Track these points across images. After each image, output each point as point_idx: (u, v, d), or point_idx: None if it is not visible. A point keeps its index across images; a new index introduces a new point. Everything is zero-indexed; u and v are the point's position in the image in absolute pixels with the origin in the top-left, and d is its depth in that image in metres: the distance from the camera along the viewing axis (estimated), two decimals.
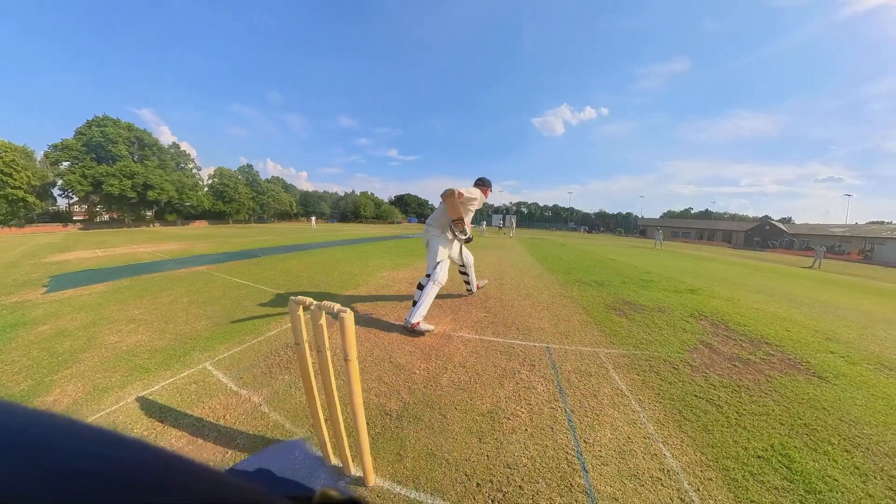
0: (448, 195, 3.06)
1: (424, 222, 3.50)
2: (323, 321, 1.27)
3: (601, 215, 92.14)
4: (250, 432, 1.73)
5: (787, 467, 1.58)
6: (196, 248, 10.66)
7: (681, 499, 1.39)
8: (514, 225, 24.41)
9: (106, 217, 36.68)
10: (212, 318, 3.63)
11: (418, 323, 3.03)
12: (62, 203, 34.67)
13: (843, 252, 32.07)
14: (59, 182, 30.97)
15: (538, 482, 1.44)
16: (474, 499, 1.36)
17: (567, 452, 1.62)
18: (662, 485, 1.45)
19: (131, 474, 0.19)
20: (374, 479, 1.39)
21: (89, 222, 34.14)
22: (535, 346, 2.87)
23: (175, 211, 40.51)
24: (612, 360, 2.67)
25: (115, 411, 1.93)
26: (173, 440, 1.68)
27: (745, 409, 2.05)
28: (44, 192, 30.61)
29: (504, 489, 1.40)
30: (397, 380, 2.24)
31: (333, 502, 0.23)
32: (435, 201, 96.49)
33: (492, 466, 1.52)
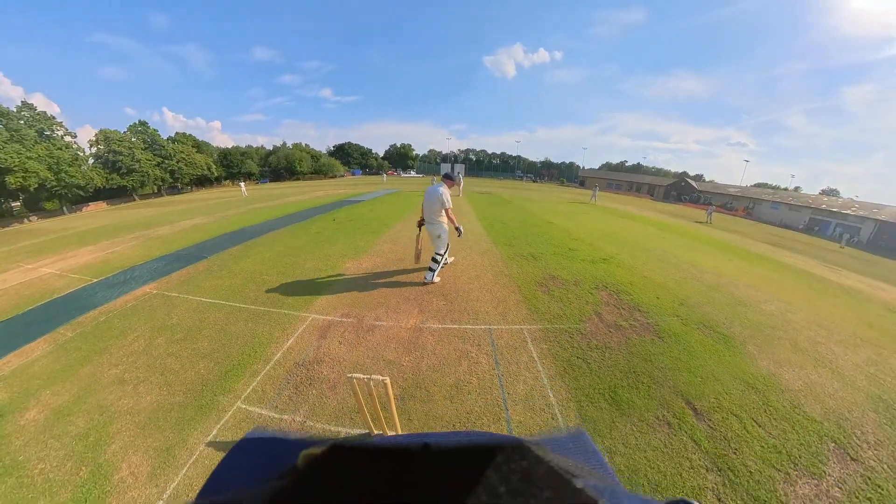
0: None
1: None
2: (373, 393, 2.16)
3: (546, 164, 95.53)
4: None
5: (611, 397, 2.95)
6: (116, 255, 8.28)
7: (552, 417, 2.69)
8: (462, 182, 23.67)
9: None
10: (206, 355, 3.56)
11: (435, 280, 5.34)
12: None
13: (733, 208, 38.94)
14: None
15: (482, 419, 2.68)
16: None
17: (498, 401, 2.87)
18: (544, 412, 2.76)
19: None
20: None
21: None
22: (481, 328, 4.07)
23: (55, 196, 31.68)
24: (532, 334, 3.96)
25: (201, 457, 2.37)
26: None
27: (603, 364, 3.43)
28: None
29: (466, 426, 2.62)
30: (392, 372, 3.19)
31: (315, 457, 0.24)
32: (379, 149, 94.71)
33: (459, 415, 2.72)
